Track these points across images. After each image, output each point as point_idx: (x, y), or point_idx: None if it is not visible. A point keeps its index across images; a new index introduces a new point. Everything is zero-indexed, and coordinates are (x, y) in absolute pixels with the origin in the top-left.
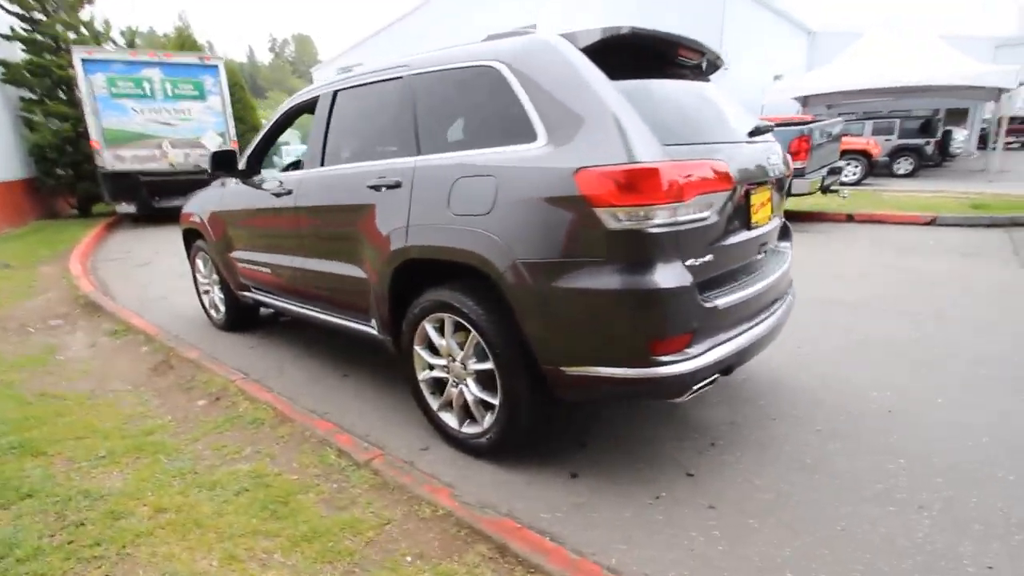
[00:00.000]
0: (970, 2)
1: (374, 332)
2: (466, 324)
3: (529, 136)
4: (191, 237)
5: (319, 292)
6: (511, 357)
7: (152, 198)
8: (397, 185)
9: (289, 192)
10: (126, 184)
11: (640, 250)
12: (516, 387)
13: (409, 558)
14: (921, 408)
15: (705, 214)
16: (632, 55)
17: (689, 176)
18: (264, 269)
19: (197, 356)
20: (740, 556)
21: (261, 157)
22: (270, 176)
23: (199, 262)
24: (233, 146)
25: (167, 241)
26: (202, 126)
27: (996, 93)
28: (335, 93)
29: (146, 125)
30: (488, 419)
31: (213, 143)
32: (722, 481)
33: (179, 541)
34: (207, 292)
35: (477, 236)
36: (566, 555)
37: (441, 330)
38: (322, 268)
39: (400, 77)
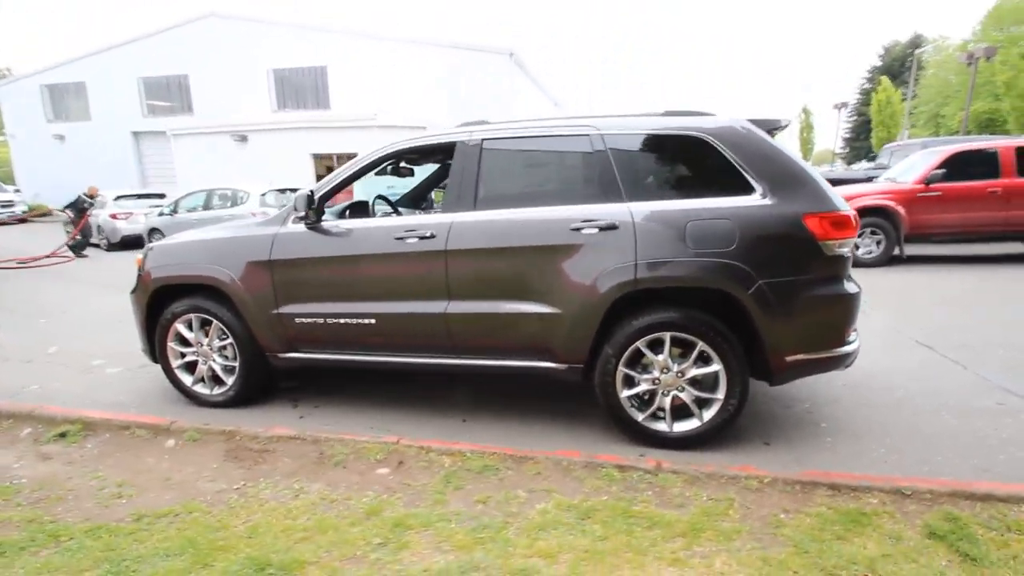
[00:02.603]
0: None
1: (547, 366)
2: (690, 337)
3: (747, 190)
4: (165, 298)
5: (467, 337)
6: (739, 357)
7: None
8: (613, 227)
9: (431, 236)
10: None
11: (843, 268)
12: (743, 381)
13: (782, 515)
14: (879, 368)
15: None
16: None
17: (857, 218)
18: (362, 320)
19: (296, 432)
20: (907, 460)
21: (327, 201)
22: (346, 222)
23: (179, 328)
24: None
25: None
26: None
27: None
28: (482, 140)
29: None
30: (708, 414)
31: None
32: (843, 424)
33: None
34: (192, 364)
35: (724, 266)
36: (876, 477)
37: (652, 347)
38: (484, 310)
39: (587, 135)
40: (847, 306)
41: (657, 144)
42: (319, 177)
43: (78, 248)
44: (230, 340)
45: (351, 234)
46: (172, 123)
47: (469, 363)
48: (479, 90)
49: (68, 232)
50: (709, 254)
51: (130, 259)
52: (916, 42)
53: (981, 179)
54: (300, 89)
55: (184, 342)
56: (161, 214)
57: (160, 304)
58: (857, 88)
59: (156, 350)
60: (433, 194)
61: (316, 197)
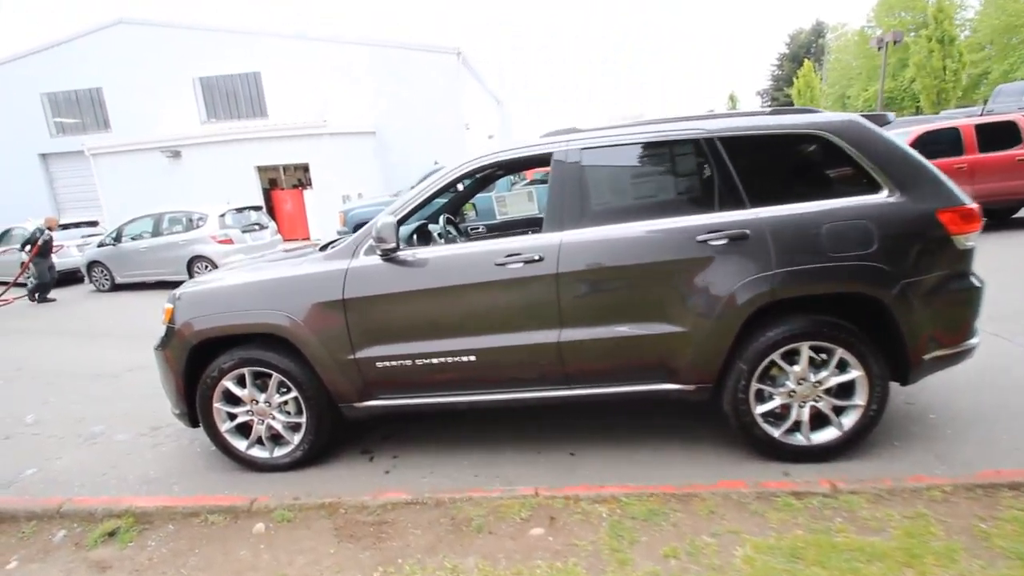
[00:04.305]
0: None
1: (672, 388)
2: (830, 345)
3: (874, 188)
4: (205, 354)
5: (583, 365)
6: (879, 361)
7: None
8: (743, 236)
9: (539, 259)
10: None
11: (970, 261)
12: (884, 385)
13: (982, 524)
14: None
15: None
16: None
17: (981, 210)
18: (460, 358)
19: (412, 495)
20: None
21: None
22: (429, 250)
23: (229, 386)
24: None
25: None
26: None
27: None
28: (582, 150)
29: None
30: (847, 421)
31: None
32: (948, 412)
33: None
34: (244, 425)
35: (867, 269)
36: None
37: (788, 359)
38: (601, 335)
39: (697, 139)
40: (977, 299)
41: (775, 144)
42: (266, 191)
43: (39, 292)
44: (293, 394)
45: (440, 263)
46: (88, 141)
47: (583, 393)
48: (426, 91)
49: None
50: (850, 258)
51: (65, 298)
52: (818, 30)
53: (948, 156)
54: (232, 97)
55: (233, 401)
56: (101, 244)
57: (196, 359)
58: (768, 75)
59: (199, 413)
60: (464, 208)
61: (396, 222)
